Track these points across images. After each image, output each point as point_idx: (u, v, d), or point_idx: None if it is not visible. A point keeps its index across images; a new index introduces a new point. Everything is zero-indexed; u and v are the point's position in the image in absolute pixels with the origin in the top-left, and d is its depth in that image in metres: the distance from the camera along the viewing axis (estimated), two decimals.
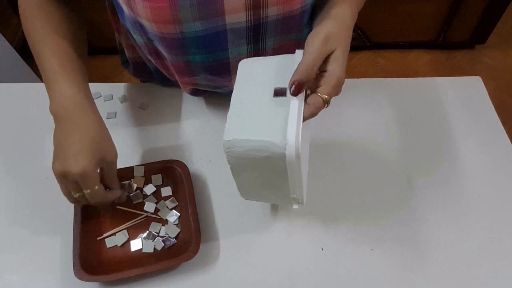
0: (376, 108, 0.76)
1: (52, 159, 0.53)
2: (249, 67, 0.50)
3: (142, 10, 0.52)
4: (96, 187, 0.52)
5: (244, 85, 0.48)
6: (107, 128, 0.56)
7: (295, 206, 0.54)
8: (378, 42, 1.88)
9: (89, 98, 0.57)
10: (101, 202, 0.55)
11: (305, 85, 0.44)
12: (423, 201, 0.65)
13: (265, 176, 0.47)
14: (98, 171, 0.54)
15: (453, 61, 1.91)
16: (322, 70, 0.46)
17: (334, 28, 0.47)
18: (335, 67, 0.46)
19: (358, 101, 0.77)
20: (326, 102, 0.45)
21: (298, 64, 0.45)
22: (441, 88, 0.79)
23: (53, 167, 0.52)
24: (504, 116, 0.79)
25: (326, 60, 0.46)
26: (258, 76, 0.48)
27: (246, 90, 0.48)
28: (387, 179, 0.67)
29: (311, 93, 0.46)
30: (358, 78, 0.80)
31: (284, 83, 0.45)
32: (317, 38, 0.46)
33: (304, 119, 0.44)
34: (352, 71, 1.88)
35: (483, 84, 0.80)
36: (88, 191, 0.52)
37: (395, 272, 0.59)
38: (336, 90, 0.46)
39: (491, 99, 0.77)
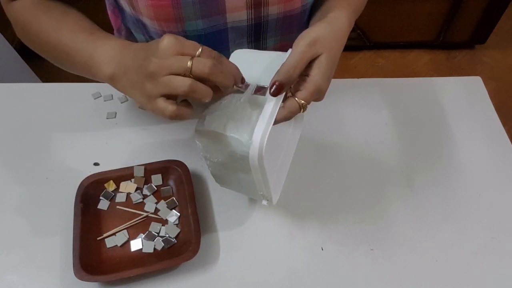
0: (376, 108, 0.76)
1: (134, 95, 0.44)
2: (241, 59, 0.49)
3: (145, 8, 0.52)
4: (200, 48, 0.41)
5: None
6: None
7: (264, 203, 0.54)
8: (378, 42, 1.88)
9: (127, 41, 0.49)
10: (214, 71, 0.40)
11: (285, 87, 0.43)
12: (423, 201, 0.65)
13: (234, 168, 0.48)
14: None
15: (453, 61, 1.91)
16: (304, 74, 0.45)
17: (325, 33, 0.46)
18: (316, 74, 0.45)
19: (358, 101, 0.77)
20: (302, 107, 0.44)
21: (281, 65, 0.44)
22: (441, 88, 0.79)
23: (137, 99, 0.44)
24: (504, 116, 0.79)
25: (310, 65, 0.45)
26: (245, 69, 0.47)
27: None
28: (387, 179, 0.67)
29: (289, 96, 0.45)
30: (358, 78, 0.80)
31: (267, 82, 0.45)
32: (303, 41, 0.45)
33: (276, 122, 0.43)
34: (352, 71, 1.88)
35: (483, 84, 0.80)
36: (199, 48, 0.40)
37: (395, 272, 0.59)
38: (314, 96, 0.45)
39: (491, 99, 0.77)
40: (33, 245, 0.60)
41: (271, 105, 0.43)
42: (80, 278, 0.53)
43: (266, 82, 0.45)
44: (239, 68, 0.46)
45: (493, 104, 0.77)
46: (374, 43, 1.88)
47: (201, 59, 0.39)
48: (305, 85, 0.44)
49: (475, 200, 0.65)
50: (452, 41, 1.87)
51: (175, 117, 0.42)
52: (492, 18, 1.74)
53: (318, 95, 0.45)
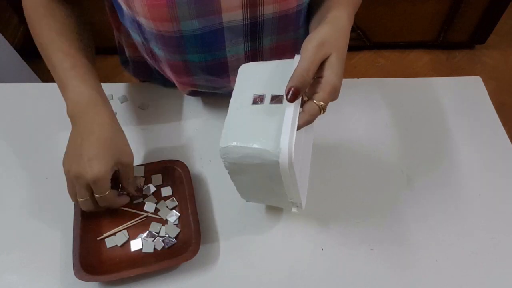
0: (376, 108, 0.76)
1: (64, 157, 0.53)
2: (248, 72, 0.50)
3: (140, 8, 0.52)
4: (108, 192, 0.53)
5: (243, 90, 0.48)
6: (122, 130, 0.56)
7: (294, 210, 0.54)
8: (378, 42, 1.88)
9: (103, 97, 0.57)
10: (110, 207, 0.56)
11: (301, 91, 0.44)
12: (423, 201, 0.65)
13: (262, 180, 0.48)
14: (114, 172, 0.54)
15: (453, 61, 1.91)
16: (318, 76, 0.46)
17: (330, 33, 0.46)
18: (330, 74, 0.45)
19: (358, 101, 0.77)
20: (322, 109, 0.45)
21: (294, 70, 0.44)
22: (441, 88, 0.79)
23: (65, 167, 0.52)
24: (504, 116, 0.79)
25: (322, 66, 0.46)
26: (256, 82, 0.48)
27: (244, 95, 0.48)
28: (387, 179, 0.67)
29: (307, 100, 0.45)
30: (358, 78, 0.80)
31: (281, 90, 0.45)
32: (311, 44, 0.45)
33: (299, 127, 0.44)
34: (352, 71, 1.88)
35: (483, 84, 0.80)
36: (99, 195, 0.52)
37: (395, 272, 0.59)
38: (332, 96, 0.46)
39: (491, 99, 0.77)
40: (33, 245, 0.60)
41: (291, 111, 0.43)
42: (80, 278, 0.53)
43: (279, 90, 0.46)
44: (249, 81, 0.48)
45: (493, 104, 0.77)
46: (374, 43, 1.88)
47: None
48: (321, 87, 0.45)
49: (475, 200, 0.65)
50: (452, 41, 1.87)
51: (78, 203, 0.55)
52: (492, 18, 1.74)
53: (335, 94, 0.46)
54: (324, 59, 0.46)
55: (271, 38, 0.61)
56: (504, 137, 0.72)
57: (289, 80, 0.44)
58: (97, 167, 0.50)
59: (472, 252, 0.60)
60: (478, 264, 0.59)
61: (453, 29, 1.80)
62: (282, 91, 0.45)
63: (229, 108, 0.47)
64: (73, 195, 0.54)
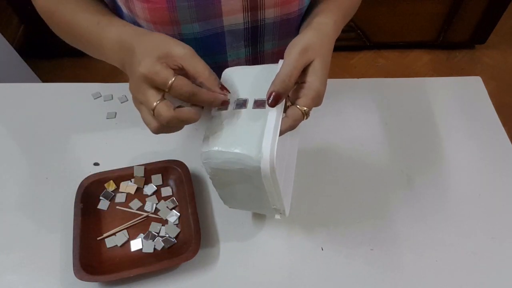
0: (376, 108, 0.76)
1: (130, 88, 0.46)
2: (232, 77, 0.49)
3: (141, 11, 0.52)
4: (173, 78, 0.41)
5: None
6: (163, 34, 0.47)
7: (277, 217, 0.53)
8: (378, 42, 1.88)
9: (136, 28, 0.50)
10: (192, 95, 0.43)
11: (282, 96, 0.43)
12: (423, 201, 0.65)
13: (244, 187, 0.47)
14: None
15: (453, 61, 1.91)
16: (301, 81, 0.45)
17: (313, 39, 0.46)
18: (314, 80, 0.45)
19: (358, 101, 0.77)
20: (305, 114, 0.44)
21: (276, 75, 0.44)
22: (441, 88, 0.79)
23: (132, 96, 0.46)
24: (504, 116, 0.79)
25: (305, 72, 0.45)
26: (240, 86, 0.47)
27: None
28: (387, 179, 0.67)
29: (290, 105, 0.45)
30: (358, 78, 0.80)
31: (264, 95, 0.44)
32: (294, 49, 0.44)
33: (282, 132, 0.43)
34: (352, 71, 1.88)
35: (483, 84, 0.80)
36: (169, 84, 0.41)
37: (395, 272, 0.59)
38: (315, 102, 0.45)
39: (491, 99, 0.77)
40: (33, 245, 0.60)
41: (274, 117, 0.43)
42: (80, 278, 0.53)
43: (263, 95, 0.45)
44: (232, 86, 0.46)
45: (493, 104, 0.77)
46: (374, 43, 1.88)
47: (176, 84, 0.42)
48: (304, 92, 0.45)
49: (475, 200, 0.65)
50: (452, 41, 1.87)
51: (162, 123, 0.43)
52: (492, 18, 1.74)
53: (318, 100, 0.45)
54: (307, 64, 0.45)
55: (273, 42, 0.61)
56: (504, 137, 0.72)
57: (271, 85, 0.43)
58: (145, 61, 0.42)
59: (472, 252, 0.60)
60: (478, 264, 0.59)
61: (453, 29, 1.80)
62: (265, 96, 0.44)
63: (212, 113, 0.47)
64: (150, 117, 0.45)
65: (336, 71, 1.86)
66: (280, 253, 0.60)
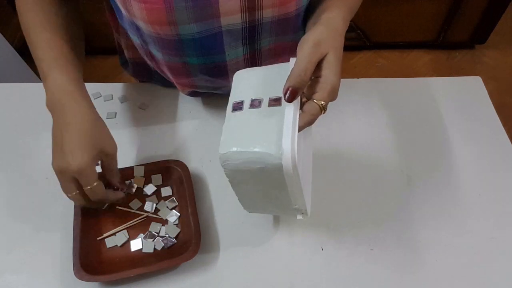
0: (376, 108, 0.76)
1: (52, 156, 0.52)
2: (243, 78, 0.49)
3: (138, 11, 0.52)
4: (95, 183, 0.51)
5: (239, 96, 0.47)
6: (102, 120, 0.55)
7: (299, 217, 0.52)
8: (378, 42, 1.88)
9: (82, 89, 0.55)
10: (102, 200, 0.54)
11: (299, 91, 0.43)
12: (423, 201, 0.65)
13: (265, 187, 0.46)
14: (99, 163, 0.54)
15: (453, 61, 1.91)
16: (316, 76, 0.45)
17: (324, 34, 0.46)
18: (329, 73, 0.45)
19: (358, 101, 0.77)
20: (323, 109, 0.44)
21: (291, 70, 0.44)
22: (441, 88, 0.79)
23: (52, 164, 0.52)
24: (504, 116, 0.79)
25: (319, 66, 0.45)
26: (252, 87, 0.47)
27: (241, 101, 0.47)
28: (387, 179, 0.67)
29: (306, 101, 0.45)
30: (358, 78, 0.80)
31: (278, 93, 0.44)
32: (307, 44, 0.45)
33: (300, 128, 0.43)
34: (352, 71, 1.88)
35: (483, 84, 0.80)
36: (88, 187, 0.51)
37: (395, 272, 0.59)
38: (331, 95, 0.45)
39: (491, 99, 0.77)
40: (33, 245, 0.60)
41: (291, 113, 0.43)
42: (80, 278, 0.53)
43: (277, 93, 0.45)
44: (245, 87, 0.48)
45: (493, 104, 0.77)
46: (374, 43, 1.88)
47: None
48: (320, 86, 0.45)
49: (475, 200, 0.65)
50: (452, 41, 1.87)
51: (75, 200, 0.54)
52: (492, 18, 1.74)
53: (334, 93, 0.45)
54: (321, 59, 0.45)
55: (269, 39, 0.61)
56: (504, 137, 0.72)
57: (287, 80, 0.43)
58: (79, 157, 0.49)
59: (472, 252, 0.60)
60: (478, 264, 0.59)
61: (453, 29, 1.80)
62: (279, 93, 0.44)
63: (226, 115, 0.46)
64: (67, 192, 0.53)
65: None
66: (280, 253, 0.60)
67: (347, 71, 1.87)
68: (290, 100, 0.43)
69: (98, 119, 0.54)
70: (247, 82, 0.48)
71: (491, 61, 1.91)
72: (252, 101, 0.46)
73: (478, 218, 0.63)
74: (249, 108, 0.45)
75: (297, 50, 0.46)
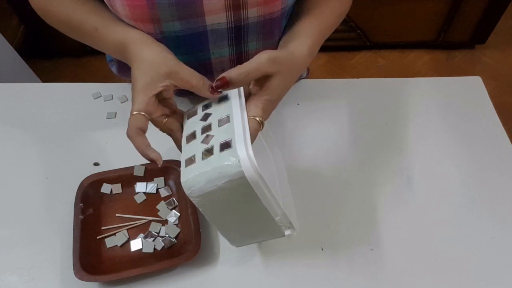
0: (376, 108, 0.76)
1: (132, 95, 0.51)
2: (192, 113, 0.51)
3: (121, 8, 0.52)
4: (164, 120, 0.50)
5: (188, 127, 0.49)
6: (171, 53, 0.52)
7: (287, 233, 0.50)
8: (378, 42, 1.88)
9: (141, 34, 0.53)
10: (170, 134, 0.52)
11: (230, 85, 0.44)
12: (423, 201, 0.65)
13: (239, 207, 0.45)
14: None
15: (453, 61, 1.91)
16: (258, 92, 0.47)
17: (286, 60, 0.48)
18: (268, 93, 0.46)
19: (358, 101, 0.77)
20: (260, 124, 0.46)
21: (236, 66, 0.45)
22: (441, 88, 0.79)
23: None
24: (504, 116, 0.79)
25: (263, 84, 0.46)
26: (196, 115, 0.49)
27: (188, 130, 0.49)
28: (387, 179, 0.67)
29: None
30: (358, 78, 0.80)
31: (225, 113, 0.46)
32: (266, 54, 0.46)
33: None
34: (352, 71, 1.88)
35: (483, 84, 0.80)
36: (163, 123, 0.50)
37: (395, 272, 0.59)
38: (264, 115, 0.47)
39: (491, 99, 0.77)
40: (33, 245, 0.60)
41: (240, 126, 0.43)
42: (80, 278, 0.53)
43: (224, 114, 0.46)
44: (195, 120, 0.49)
45: (493, 104, 0.77)
46: (374, 43, 1.88)
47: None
48: (256, 103, 0.46)
49: (475, 200, 0.65)
50: (452, 41, 1.87)
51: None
52: (492, 18, 1.74)
53: (266, 114, 0.47)
54: (267, 76, 0.46)
55: (257, 42, 0.61)
56: (504, 137, 0.72)
57: (226, 71, 0.44)
58: (140, 99, 0.47)
59: (472, 252, 0.60)
60: (478, 264, 0.59)
61: (453, 29, 1.80)
62: (226, 113, 0.46)
63: (182, 147, 0.48)
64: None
65: (336, 71, 1.86)
66: (280, 253, 0.60)
67: (347, 71, 1.87)
68: (218, 87, 0.44)
69: (165, 50, 0.52)
70: (196, 116, 0.50)
71: (491, 61, 1.91)
72: (203, 128, 0.47)
73: (478, 218, 0.63)
74: (201, 134, 0.46)
75: (256, 55, 0.46)
